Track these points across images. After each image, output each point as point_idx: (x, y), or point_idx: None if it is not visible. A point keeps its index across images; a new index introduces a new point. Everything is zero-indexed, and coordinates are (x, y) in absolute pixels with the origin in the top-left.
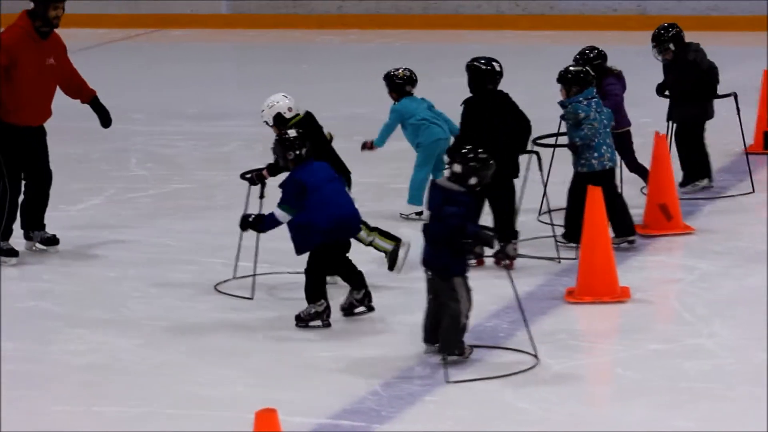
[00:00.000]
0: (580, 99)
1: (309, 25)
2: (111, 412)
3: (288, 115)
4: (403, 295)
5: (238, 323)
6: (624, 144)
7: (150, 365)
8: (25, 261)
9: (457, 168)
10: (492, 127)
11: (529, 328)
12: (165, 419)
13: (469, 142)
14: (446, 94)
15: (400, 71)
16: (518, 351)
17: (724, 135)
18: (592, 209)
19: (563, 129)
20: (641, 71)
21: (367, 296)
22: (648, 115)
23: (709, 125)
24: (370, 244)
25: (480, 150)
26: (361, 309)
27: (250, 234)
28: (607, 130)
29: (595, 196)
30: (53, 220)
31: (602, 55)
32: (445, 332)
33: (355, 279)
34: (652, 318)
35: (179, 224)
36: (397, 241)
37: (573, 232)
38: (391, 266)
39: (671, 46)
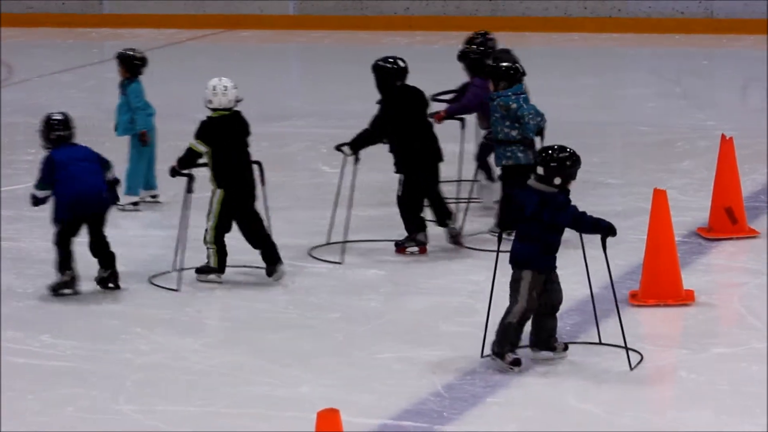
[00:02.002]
0: (509, 93)
1: (376, 27)
2: (173, 411)
3: (209, 105)
4: (466, 297)
5: (300, 323)
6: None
7: (212, 365)
8: (84, 261)
9: (540, 170)
10: (410, 120)
11: (623, 326)
12: (227, 419)
13: (386, 137)
14: None
15: None
16: (621, 347)
17: None
18: (658, 213)
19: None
20: (707, 74)
21: (113, 276)
22: (714, 118)
23: None
24: (207, 247)
25: (557, 150)
26: (110, 286)
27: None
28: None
29: (660, 198)
30: (117, 217)
31: (482, 51)
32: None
33: (104, 258)
34: (717, 321)
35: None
36: (221, 269)
37: (506, 221)
38: (199, 271)
39: None
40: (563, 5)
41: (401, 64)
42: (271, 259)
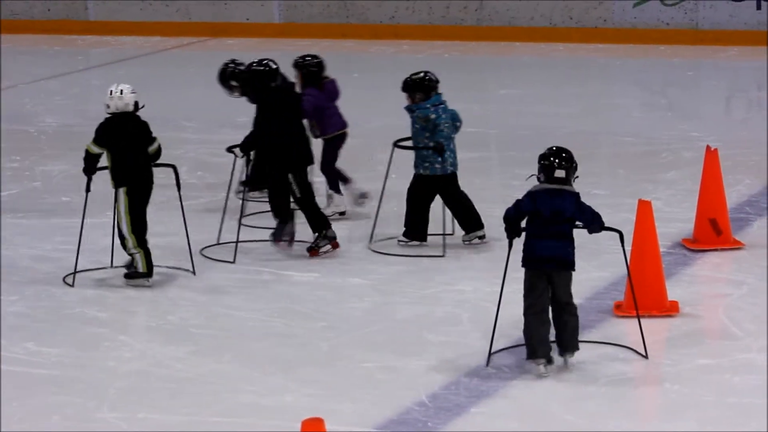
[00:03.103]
0: (428, 105)
1: (361, 35)
2: (156, 419)
3: (107, 110)
4: (451, 306)
5: (285, 332)
6: (329, 148)
7: (196, 373)
8: (70, 268)
9: (561, 173)
10: (288, 119)
11: (641, 325)
12: (211, 427)
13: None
14: (502, 105)
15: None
16: (627, 348)
17: None
18: (642, 224)
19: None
20: (692, 85)
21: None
22: (699, 129)
23: (760, 142)
24: (130, 255)
25: (564, 151)
26: None
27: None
28: (452, 136)
29: (645, 209)
30: (98, 227)
31: (319, 64)
32: (576, 331)
33: None
34: (701, 332)
35: (228, 233)
36: (149, 273)
37: (414, 230)
38: (126, 276)
39: None
40: (549, 15)
41: (273, 65)
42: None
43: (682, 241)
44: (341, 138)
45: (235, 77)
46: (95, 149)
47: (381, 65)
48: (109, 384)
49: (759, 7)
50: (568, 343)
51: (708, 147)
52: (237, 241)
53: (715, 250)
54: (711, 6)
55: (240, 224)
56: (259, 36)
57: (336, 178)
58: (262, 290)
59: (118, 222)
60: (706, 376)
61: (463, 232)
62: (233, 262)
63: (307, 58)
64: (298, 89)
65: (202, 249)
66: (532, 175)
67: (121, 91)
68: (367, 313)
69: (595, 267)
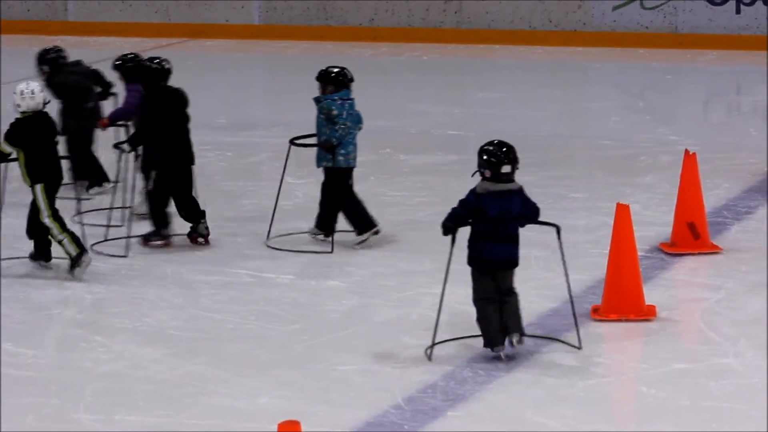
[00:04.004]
0: (336, 98)
1: (341, 37)
2: (132, 421)
3: (18, 109)
4: (428, 309)
5: (262, 334)
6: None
7: (172, 375)
8: (48, 269)
9: (507, 168)
10: (175, 118)
11: (576, 314)
12: (187, 429)
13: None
14: (481, 107)
15: None
16: (562, 342)
17: (752, 154)
18: (620, 227)
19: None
20: (671, 89)
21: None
22: (677, 133)
23: (738, 146)
24: (60, 242)
25: (506, 145)
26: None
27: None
28: (354, 131)
29: (623, 213)
30: (75, 229)
31: (136, 59)
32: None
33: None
34: (678, 337)
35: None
36: (82, 250)
37: (325, 223)
38: (71, 269)
39: None
40: (528, 18)
41: (165, 65)
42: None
43: (660, 245)
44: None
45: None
46: (7, 149)
47: (360, 67)
48: (85, 385)
49: (738, 11)
50: (513, 326)
51: (686, 151)
52: (128, 237)
53: (693, 254)
54: (690, 10)
55: (132, 216)
56: (238, 37)
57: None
58: (239, 292)
59: (38, 216)
60: (682, 380)
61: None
62: (125, 256)
63: (129, 55)
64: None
65: (93, 244)
66: (476, 171)
67: (33, 90)
68: (344, 315)
69: (573, 270)
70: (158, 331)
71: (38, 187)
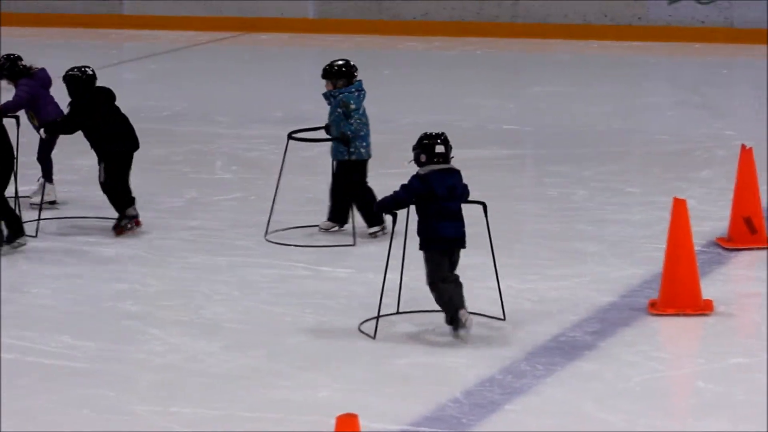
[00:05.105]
0: (352, 90)
1: (394, 31)
2: (188, 413)
3: None
4: (486, 303)
5: (320, 328)
6: (45, 138)
7: (229, 367)
8: (104, 261)
9: (441, 148)
10: (104, 115)
11: (501, 290)
12: (243, 422)
13: (77, 130)
14: (536, 102)
15: None
16: (485, 316)
17: None
18: (677, 222)
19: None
20: (727, 84)
21: None
22: (733, 128)
23: None
24: None
25: (439, 132)
26: None
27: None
28: (368, 123)
29: (679, 207)
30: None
31: (10, 59)
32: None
33: None
34: (735, 331)
35: (262, 228)
36: (21, 232)
37: (339, 214)
38: (8, 243)
39: None
40: (583, 12)
41: (89, 72)
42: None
43: (717, 239)
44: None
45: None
46: None
47: (413, 62)
48: (141, 378)
49: None
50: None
51: (743, 146)
52: (38, 219)
53: (750, 249)
54: (746, 4)
55: (41, 205)
56: (291, 31)
57: (50, 168)
58: (296, 285)
59: None
60: (739, 374)
61: (365, 225)
62: (35, 236)
63: (2, 58)
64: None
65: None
66: (411, 161)
67: None
68: (401, 309)
69: (629, 264)
70: (214, 324)
71: None
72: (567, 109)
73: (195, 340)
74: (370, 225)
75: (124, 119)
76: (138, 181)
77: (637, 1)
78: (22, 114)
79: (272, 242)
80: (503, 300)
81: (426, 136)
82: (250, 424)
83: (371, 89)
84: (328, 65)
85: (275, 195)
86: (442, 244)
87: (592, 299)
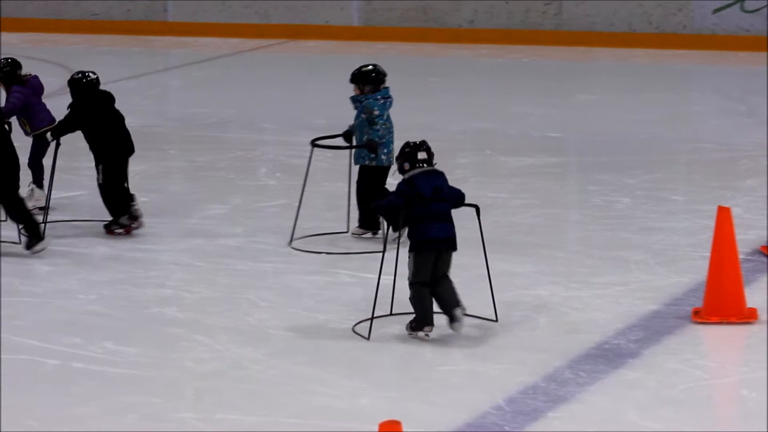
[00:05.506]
0: (378, 97)
1: (440, 39)
2: (233, 420)
3: None
4: (528, 311)
5: (363, 335)
6: (38, 144)
7: (273, 374)
8: (149, 268)
9: (423, 155)
10: (114, 118)
11: (493, 293)
12: (286, 429)
13: (77, 129)
14: (580, 110)
15: None
16: (478, 317)
17: None
18: (722, 230)
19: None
20: None
21: None
22: None
23: None
24: None
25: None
26: None
27: None
28: (393, 130)
29: (724, 216)
30: (175, 228)
31: (13, 63)
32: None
33: None
34: None
35: (304, 234)
36: None
37: (370, 221)
38: None
39: None
40: (628, 20)
41: (92, 76)
42: None
43: (761, 248)
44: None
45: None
46: None
47: (459, 69)
48: (186, 384)
49: None
50: (451, 301)
51: None
52: (45, 221)
53: None
54: None
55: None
56: (337, 39)
57: (41, 174)
58: (339, 292)
59: None
60: None
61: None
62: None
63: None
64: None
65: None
66: (395, 170)
67: None
68: (444, 316)
69: (674, 272)
70: (259, 330)
71: None
72: (612, 117)
73: (240, 347)
74: (360, 226)
75: (122, 123)
76: (183, 187)
77: (682, 10)
78: (13, 120)
79: (297, 249)
80: (495, 302)
81: (407, 145)
82: (294, 431)
83: (418, 97)
84: (356, 69)
85: (300, 202)
86: (431, 246)
87: (636, 307)
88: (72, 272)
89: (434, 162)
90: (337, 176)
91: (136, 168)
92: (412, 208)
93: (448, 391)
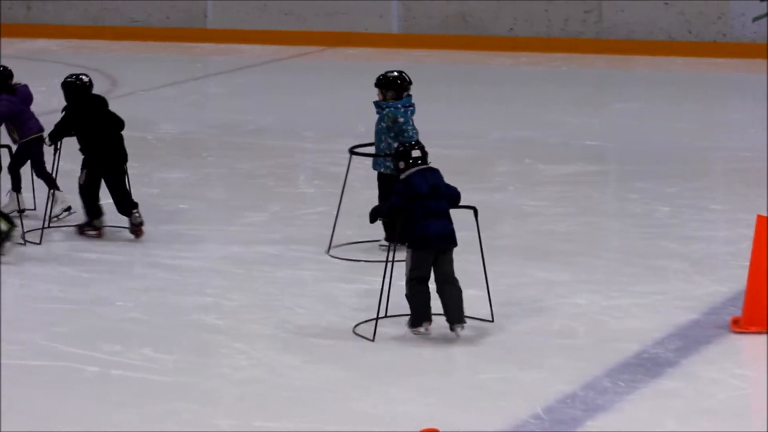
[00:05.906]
0: (399, 106)
1: (480, 47)
2: (271, 427)
3: None
4: (568, 319)
5: (401, 342)
6: (25, 151)
7: (312, 381)
8: (188, 275)
9: (417, 153)
10: (105, 123)
11: (490, 291)
12: None
13: (72, 133)
14: (619, 118)
15: None
16: (474, 318)
17: None
18: (761, 239)
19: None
20: None
21: None
22: None
23: None
24: None
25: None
26: None
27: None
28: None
29: (763, 225)
30: (214, 235)
31: (2, 73)
32: (461, 301)
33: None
34: None
35: (343, 242)
36: (12, 225)
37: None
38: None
39: None
40: (668, 29)
41: (84, 79)
42: None
43: None
44: (38, 141)
45: None
46: None
47: (499, 77)
48: (225, 391)
49: None
50: (456, 316)
51: None
52: (42, 227)
53: None
54: None
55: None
56: (377, 46)
57: (19, 179)
58: (377, 300)
59: None
60: None
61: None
62: (39, 243)
63: None
64: None
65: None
66: (393, 172)
67: None
68: (483, 324)
69: (713, 281)
70: (297, 337)
71: None
72: (651, 125)
73: (278, 354)
74: (386, 238)
75: (116, 129)
76: (222, 194)
77: (722, 18)
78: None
79: (335, 257)
80: (492, 302)
81: (401, 145)
82: None
83: (458, 105)
84: (381, 74)
85: (338, 210)
86: (431, 242)
87: (674, 316)
88: (110, 279)
89: (429, 161)
90: (375, 184)
91: (174, 175)
92: (410, 206)
93: (487, 398)
